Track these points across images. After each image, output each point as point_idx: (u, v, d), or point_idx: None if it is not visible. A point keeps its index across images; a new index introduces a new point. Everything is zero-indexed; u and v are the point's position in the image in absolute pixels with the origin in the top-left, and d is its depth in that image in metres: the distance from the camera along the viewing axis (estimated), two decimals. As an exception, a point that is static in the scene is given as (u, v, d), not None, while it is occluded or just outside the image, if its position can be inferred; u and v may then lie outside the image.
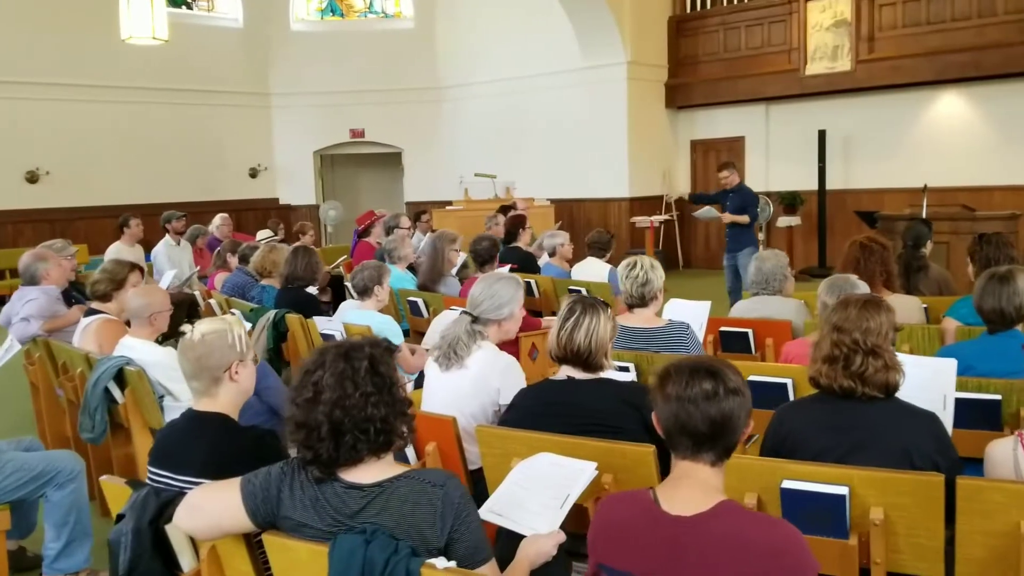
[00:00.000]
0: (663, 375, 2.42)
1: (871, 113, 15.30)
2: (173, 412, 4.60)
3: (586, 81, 17.18)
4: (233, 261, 9.08)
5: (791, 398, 4.16)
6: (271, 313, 6.64)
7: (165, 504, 2.81)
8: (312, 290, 7.20)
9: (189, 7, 19.01)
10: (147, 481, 3.08)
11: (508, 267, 7.60)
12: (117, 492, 3.05)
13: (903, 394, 3.12)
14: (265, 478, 2.56)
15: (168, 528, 2.76)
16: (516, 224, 9.72)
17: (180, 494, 2.76)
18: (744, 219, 10.50)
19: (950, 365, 3.66)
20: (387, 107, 19.76)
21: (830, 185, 15.56)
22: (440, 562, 2.32)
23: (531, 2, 17.70)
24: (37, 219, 16.26)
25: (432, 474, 2.53)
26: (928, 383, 3.55)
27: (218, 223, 12.60)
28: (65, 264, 7.24)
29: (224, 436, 3.08)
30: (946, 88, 14.48)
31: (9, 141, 15.96)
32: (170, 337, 5.37)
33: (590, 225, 15.49)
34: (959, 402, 3.68)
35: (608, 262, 8.56)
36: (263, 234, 11.70)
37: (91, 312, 5.79)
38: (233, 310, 7.12)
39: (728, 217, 10.51)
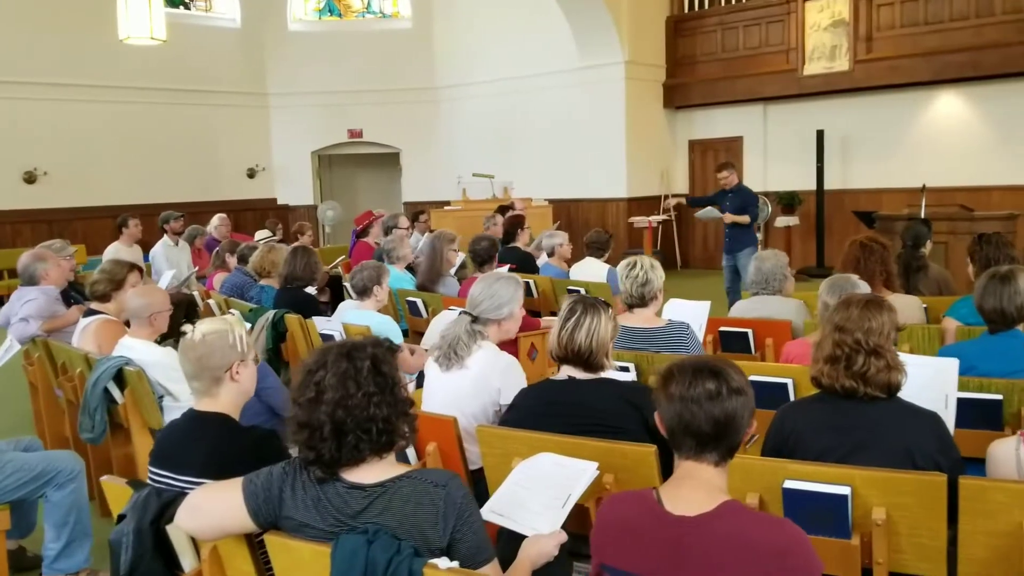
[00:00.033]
0: (666, 375, 2.42)
1: (869, 113, 15.30)
2: (173, 412, 4.60)
3: (584, 81, 17.17)
4: (232, 261, 9.07)
5: (791, 398, 4.16)
6: (270, 313, 6.64)
7: (166, 504, 2.81)
8: (311, 290, 7.19)
9: (187, 7, 18.99)
10: (148, 481, 3.07)
11: (507, 267, 7.59)
12: (118, 492, 3.05)
13: (905, 394, 3.12)
14: (267, 478, 2.55)
15: (169, 528, 2.76)
16: (514, 224, 9.71)
17: (181, 494, 2.75)
18: (745, 219, 10.50)
19: (952, 365, 3.65)
20: (385, 107, 19.75)
21: (828, 185, 15.57)
22: (443, 562, 2.31)
23: (528, 2, 17.70)
24: (35, 219, 16.24)
25: (434, 474, 2.52)
26: (930, 383, 3.55)
27: (216, 223, 12.58)
28: (64, 264, 7.23)
29: (225, 436, 3.08)
30: (944, 88, 14.49)
31: (7, 141, 15.93)
32: (169, 337, 5.37)
33: (588, 225, 15.50)
34: (960, 402, 3.68)
35: (606, 262, 8.55)
36: (261, 234, 11.70)
37: (90, 312, 5.78)
38: (232, 310, 7.11)
39: (730, 217, 10.50)
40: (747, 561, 2.14)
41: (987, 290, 4.20)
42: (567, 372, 3.65)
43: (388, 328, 6.00)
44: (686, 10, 17.41)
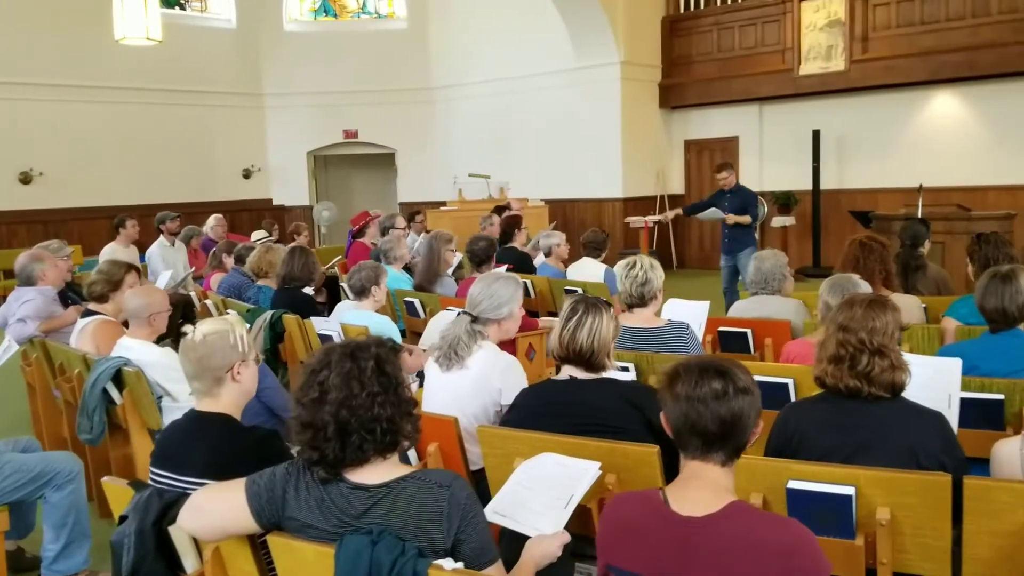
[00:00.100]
0: (672, 375, 2.41)
1: (865, 113, 15.32)
2: (171, 413, 4.58)
3: (580, 81, 17.17)
4: (229, 262, 9.05)
5: (792, 398, 4.15)
6: (268, 314, 6.62)
7: (168, 505, 2.80)
8: (308, 291, 7.18)
9: (182, 8, 18.96)
10: (149, 482, 3.06)
11: (504, 267, 7.58)
12: (119, 493, 3.04)
13: (907, 393, 3.11)
14: (270, 478, 2.54)
15: (171, 529, 2.75)
16: (512, 224, 9.71)
17: (183, 495, 2.74)
18: (747, 219, 10.49)
19: (955, 365, 3.65)
20: (380, 107, 19.74)
21: (824, 185, 15.58)
22: (447, 563, 2.31)
23: (524, 2, 17.69)
24: (31, 220, 16.20)
25: (438, 475, 2.51)
26: (933, 382, 3.54)
27: (212, 224, 12.57)
28: (61, 265, 7.21)
29: (227, 436, 3.07)
30: (940, 88, 14.51)
31: (2, 141, 15.90)
32: (166, 337, 5.35)
33: (584, 225, 15.48)
34: (962, 402, 3.67)
35: (603, 262, 8.55)
36: (258, 235, 11.70)
37: (88, 313, 5.76)
38: (229, 311, 7.09)
39: (733, 218, 10.48)
40: (754, 561, 2.14)
41: (988, 289, 4.20)
42: (568, 372, 3.64)
43: (386, 328, 5.99)
44: (682, 10, 17.43)
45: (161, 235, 11.49)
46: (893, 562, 2.86)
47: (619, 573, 2.37)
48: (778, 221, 16.02)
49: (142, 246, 11.86)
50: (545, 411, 3.54)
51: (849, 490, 2.83)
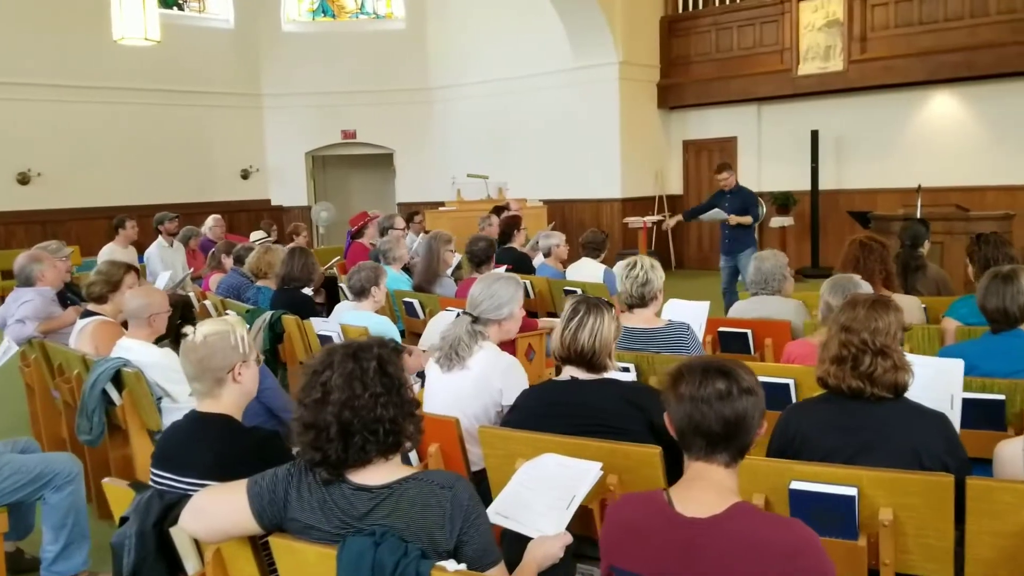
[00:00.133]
0: (676, 375, 2.40)
1: (864, 113, 15.32)
2: (171, 414, 4.59)
3: (578, 81, 17.17)
4: (228, 262, 9.04)
5: (793, 398, 4.15)
6: (267, 314, 6.61)
7: (169, 506, 2.80)
8: (307, 291, 7.17)
9: (180, 8, 18.96)
10: (150, 483, 3.05)
11: (503, 268, 7.57)
12: (119, 495, 3.03)
13: (909, 394, 3.11)
14: (272, 480, 2.53)
15: (172, 531, 2.74)
16: (511, 225, 9.70)
17: (184, 496, 2.74)
18: (748, 220, 10.48)
19: (957, 365, 3.65)
20: (379, 108, 19.74)
21: (823, 185, 15.58)
22: (450, 565, 2.30)
23: (522, 3, 17.69)
24: (29, 220, 16.19)
25: (440, 476, 2.51)
26: (934, 383, 3.54)
27: (211, 224, 12.58)
28: (60, 265, 7.21)
29: (228, 437, 3.06)
30: (939, 88, 14.51)
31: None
32: (165, 338, 5.34)
33: (583, 226, 15.46)
34: (963, 402, 3.66)
35: (602, 263, 8.54)
36: (257, 235, 11.70)
37: (87, 314, 5.75)
38: (228, 311, 7.08)
39: (736, 219, 10.47)
40: (759, 562, 2.13)
41: (990, 290, 4.20)
42: (570, 373, 3.63)
43: (386, 329, 5.99)
44: (680, 10, 17.43)
45: (159, 236, 11.49)
46: (896, 563, 2.85)
47: (623, 574, 2.36)
48: (776, 221, 16.02)
49: (140, 247, 11.86)
50: (546, 412, 3.53)
51: (851, 491, 2.82)
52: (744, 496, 2.41)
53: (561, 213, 17.07)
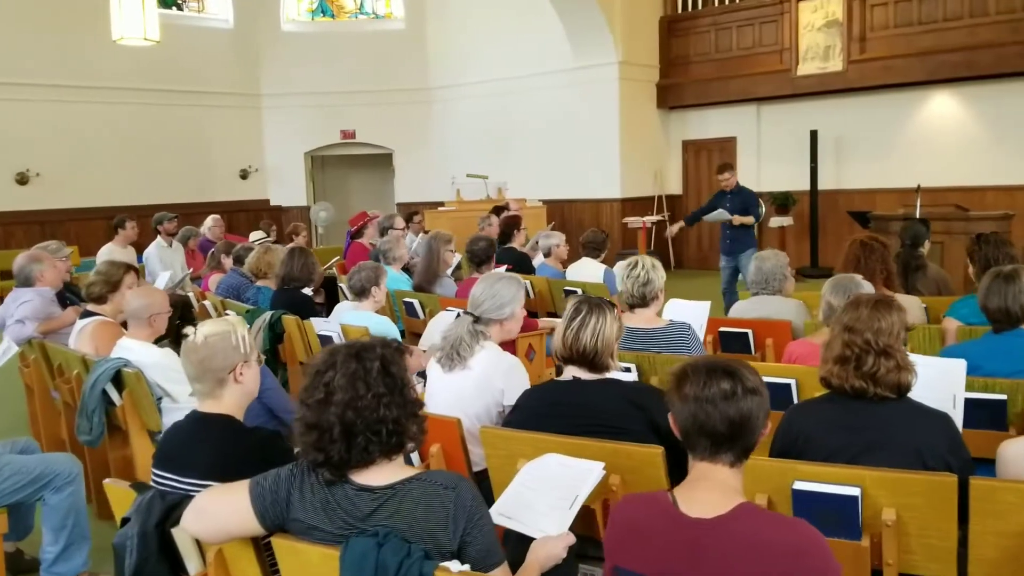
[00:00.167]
0: (680, 375, 2.40)
1: (863, 113, 15.32)
2: (171, 414, 4.58)
3: (577, 81, 17.17)
4: (228, 262, 9.04)
5: (795, 398, 4.14)
6: (267, 314, 6.61)
7: (171, 507, 2.79)
8: (307, 291, 7.16)
9: (180, 8, 18.95)
10: (151, 483, 3.05)
11: (503, 268, 7.56)
12: (120, 495, 3.03)
13: (912, 394, 3.10)
14: (275, 480, 2.53)
15: (174, 531, 2.74)
16: (511, 225, 9.69)
17: (186, 497, 2.73)
18: (751, 220, 10.48)
19: (959, 365, 3.64)
20: (378, 108, 19.73)
21: (822, 185, 15.58)
22: (454, 565, 2.29)
23: (522, 3, 17.68)
24: (27, 221, 16.17)
25: (443, 476, 2.50)
26: (937, 383, 3.53)
27: (210, 224, 12.57)
28: (60, 266, 7.20)
29: (230, 438, 3.05)
30: (938, 88, 14.51)
31: (-2, 142, 15.91)
32: (165, 338, 5.33)
33: (582, 225, 15.46)
34: (965, 402, 3.66)
35: (602, 262, 8.53)
36: (256, 235, 11.70)
37: (87, 314, 5.74)
38: (228, 311, 7.08)
39: (738, 219, 10.45)
40: (764, 563, 2.13)
41: (991, 289, 4.20)
42: (571, 373, 3.62)
43: (386, 329, 5.98)
44: (679, 10, 17.42)
45: (159, 236, 11.48)
46: (899, 563, 2.85)
47: (627, 575, 2.35)
48: (776, 221, 16.01)
49: (139, 247, 11.85)
50: (548, 412, 3.52)
51: (855, 491, 2.82)
52: (747, 496, 2.41)
53: (561, 213, 17.06)
